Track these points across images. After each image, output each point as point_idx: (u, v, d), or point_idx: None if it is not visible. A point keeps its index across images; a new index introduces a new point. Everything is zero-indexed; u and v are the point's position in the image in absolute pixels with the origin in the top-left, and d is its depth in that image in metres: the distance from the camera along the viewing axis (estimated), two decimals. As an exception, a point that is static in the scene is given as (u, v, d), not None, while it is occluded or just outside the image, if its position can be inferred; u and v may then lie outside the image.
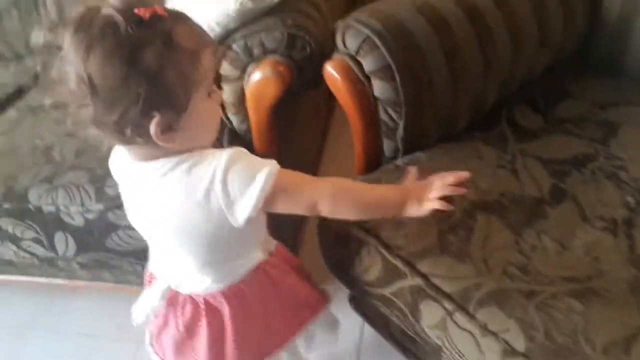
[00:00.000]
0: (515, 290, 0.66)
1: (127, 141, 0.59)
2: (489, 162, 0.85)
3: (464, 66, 0.87)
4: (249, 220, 0.62)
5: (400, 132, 0.87)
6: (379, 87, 0.84)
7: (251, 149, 0.97)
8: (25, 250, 1.06)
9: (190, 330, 0.75)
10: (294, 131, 1.12)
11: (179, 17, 0.58)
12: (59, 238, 0.99)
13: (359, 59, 0.84)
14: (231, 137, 0.99)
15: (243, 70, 0.91)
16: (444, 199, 0.65)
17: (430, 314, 0.70)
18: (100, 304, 1.32)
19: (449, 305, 0.67)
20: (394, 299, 0.75)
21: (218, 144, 0.93)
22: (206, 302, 0.73)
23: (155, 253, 0.77)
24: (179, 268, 0.72)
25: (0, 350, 1.33)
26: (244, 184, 0.60)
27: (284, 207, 0.64)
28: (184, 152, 0.61)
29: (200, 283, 0.71)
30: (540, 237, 0.72)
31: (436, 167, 0.82)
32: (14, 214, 1.00)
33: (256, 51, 0.88)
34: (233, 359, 0.75)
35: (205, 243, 0.66)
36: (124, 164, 0.66)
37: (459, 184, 0.67)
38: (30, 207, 0.98)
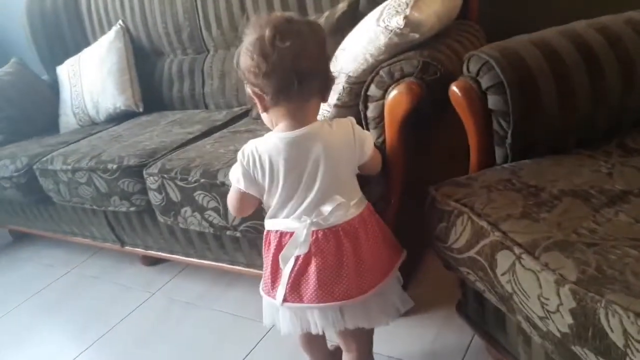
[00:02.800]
0: (579, 242, 0.75)
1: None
2: (589, 167, 0.95)
3: (572, 91, 1.01)
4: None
5: (509, 139, 1.03)
6: (492, 100, 1.02)
7: (384, 160, 1.20)
8: (206, 220, 1.40)
9: (337, 256, 0.93)
10: (423, 151, 1.33)
11: None
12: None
13: (478, 79, 1.04)
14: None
15: (385, 90, 1.16)
16: None
17: (503, 261, 0.81)
18: (250, 289, 1.60)
19: (518, 250, 0.78)
20: (477, 257, 0.87)
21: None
22: (344, 230, 0.94)
23: (293, 210, 0.95)
24: (330, 205, 0.92)
25: (161, 321, 1.67)
26: (365, 135, 0.99)
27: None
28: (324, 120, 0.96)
29: (347, 211, 0.94)
30: (617, 214, 0.80)
31: (538, 170, 0.96)
32: (206, 188, 1.36)
33: (397, 75, 1.14)
34: (369, 275, 0.95)
35: (350, 177, 0.99)
36: (283, 142, 0.92)
37: None
38: (217, 182, 1.33)
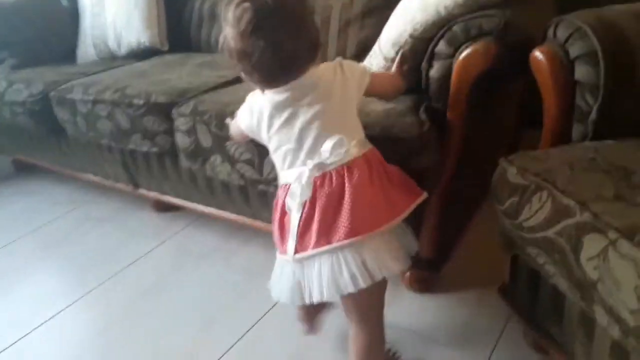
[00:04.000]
0: (690, 234, 0.67)
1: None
2: (682, 155, 0.87)
3: (671, 70, 0.92)
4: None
5: (593, 115, 0.94)
6: (581, 71, 0.93)
7: (443, 124, 1.11)
8: (237, 172, 1.32)
9: (338, 195, 0.87)
10: (484, 119, 1.24)
11: None
12: (268, 161, 1.22)
13: (567, 46, 0.95)
14: (426, 112, 1.13)
15: (457, 48, 1.06)
16: None
17: (591, 245, 0.73)
18: (268, 248, 1.52)
19: (613, 235, 0.70)
20: (556, 237, 0.79)
21: (416, 117, 1.10)
22: (348, 169, 0.88)
23: (296, 156, 0.92)
24: (329, 143, 0.88)
25: (170, 271, 1.59)
26: (353, 64, 0.99)
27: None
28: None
29: (348, 149, 0.88)
30: None
31: (624, 151, 0.88)
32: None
33: (473, 32, 1.04)
34: (371, 212, 0.88)
35: (349, 115, 0.94)
36: (270, 100, 0.92)
37: None
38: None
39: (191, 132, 1.38)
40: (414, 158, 1.07)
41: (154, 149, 1.56)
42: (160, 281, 1.54)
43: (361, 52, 1.38)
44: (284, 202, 0.93)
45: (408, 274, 1.32)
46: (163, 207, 1.89)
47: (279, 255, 0.97)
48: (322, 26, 1.62)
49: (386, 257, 0.88)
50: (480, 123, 1.23)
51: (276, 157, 0.96)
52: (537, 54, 0.97)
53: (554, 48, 0.96)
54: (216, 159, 1.35)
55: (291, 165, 0.93)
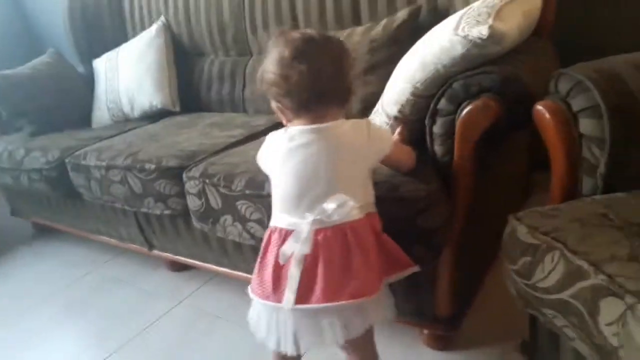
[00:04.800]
0: None
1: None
2: (697, 207, 0.84)
3: (678, 120, 0.90)
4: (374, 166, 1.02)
5: (601, 168, 0.92)
6: (585, 125, 0.92)
7: (449, 181, 1.10)
8: (247, 232, 1.31)
9: (342, 253, 0.90)
10: (491, 173, 1.23)
11: None
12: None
13: (569, 100, 0.95)
14: (433, 169, 1.13)
15: (458, 105, 1.07)
16: None
17: (609, 310, 0.70)
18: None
19: (630, 299, 0.68)
20: (572, 300, 0.76)
21: (422, 175, 1.10)
22: (352, 228, 0.90)
23: (295, 205, 0.94)
24: (333, 203, 0.90)
25: (189, 332, 1.58)
26: (381, 131, 1.04)
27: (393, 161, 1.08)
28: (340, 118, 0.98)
29: (351, 211, 0.90)
30: None
31: (637, 206, 0.86)
32: (250, 197, 1.26)
33: (474, 89, 1.05)
34: (374, 275, 0.92)
35: (360, 178, 0.97)
36: (296, 131, 0.96)
37: None
38: (264, 193, 1.23)
39: (201, 194, 1.39)
40: (421, 216, 1.06)
41: (167, 212, 1.57)
42: (180, 343, 1.53)
43: (366, 108, 1.39)
44: (278, 247, 0.93)
45: (426, 331, 1.29)
46: (178, 267, 1.90)
47: (263, 302, 0.95)
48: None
49: (379, 310, 0.94)
50: (489, 175, 1.22)
51: (277, 195, 0.99)
52: (540, 108, 0.97)
53: (556, 102, 0.96)
54: (226, 219, 1.36)
55: (289, 212, 0.95)
